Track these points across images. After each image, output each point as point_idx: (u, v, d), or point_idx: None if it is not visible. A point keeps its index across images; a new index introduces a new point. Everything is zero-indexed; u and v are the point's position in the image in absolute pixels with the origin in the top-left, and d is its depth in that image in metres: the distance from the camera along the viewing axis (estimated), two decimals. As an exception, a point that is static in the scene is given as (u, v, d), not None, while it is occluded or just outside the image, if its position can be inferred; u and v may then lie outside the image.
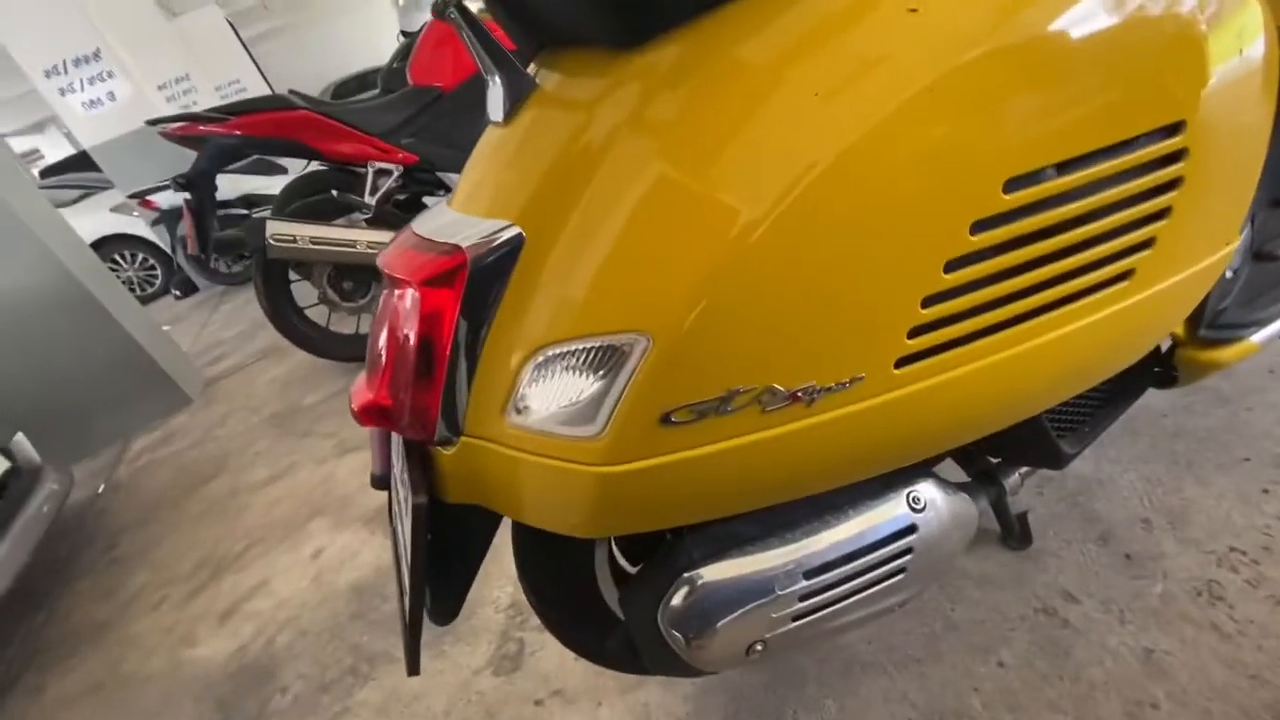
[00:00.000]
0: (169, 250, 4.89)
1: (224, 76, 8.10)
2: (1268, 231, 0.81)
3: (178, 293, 5.11)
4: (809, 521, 0.61)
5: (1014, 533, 0.92)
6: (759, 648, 0.63)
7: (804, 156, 0.40)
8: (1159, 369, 0.71)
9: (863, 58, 0.40)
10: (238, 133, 2.06)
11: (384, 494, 0.72)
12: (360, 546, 1.49)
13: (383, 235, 2.19)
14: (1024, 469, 0.79)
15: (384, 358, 0.54)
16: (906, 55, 0.40)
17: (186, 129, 2.05)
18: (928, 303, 0.44)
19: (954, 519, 0.67)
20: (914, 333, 0.45)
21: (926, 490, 0.65)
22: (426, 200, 2.41)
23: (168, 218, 4.38)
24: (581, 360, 0.46)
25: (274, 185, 4.19)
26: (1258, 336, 0.68)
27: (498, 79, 0.51)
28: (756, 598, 0.60)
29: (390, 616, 1.25)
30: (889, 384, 0.46)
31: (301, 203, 2.26)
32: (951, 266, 0.43)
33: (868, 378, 0.45)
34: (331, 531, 1.59)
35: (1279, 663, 0.72)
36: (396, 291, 0.52)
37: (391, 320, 0.53)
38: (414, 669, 0.61)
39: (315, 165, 2.36)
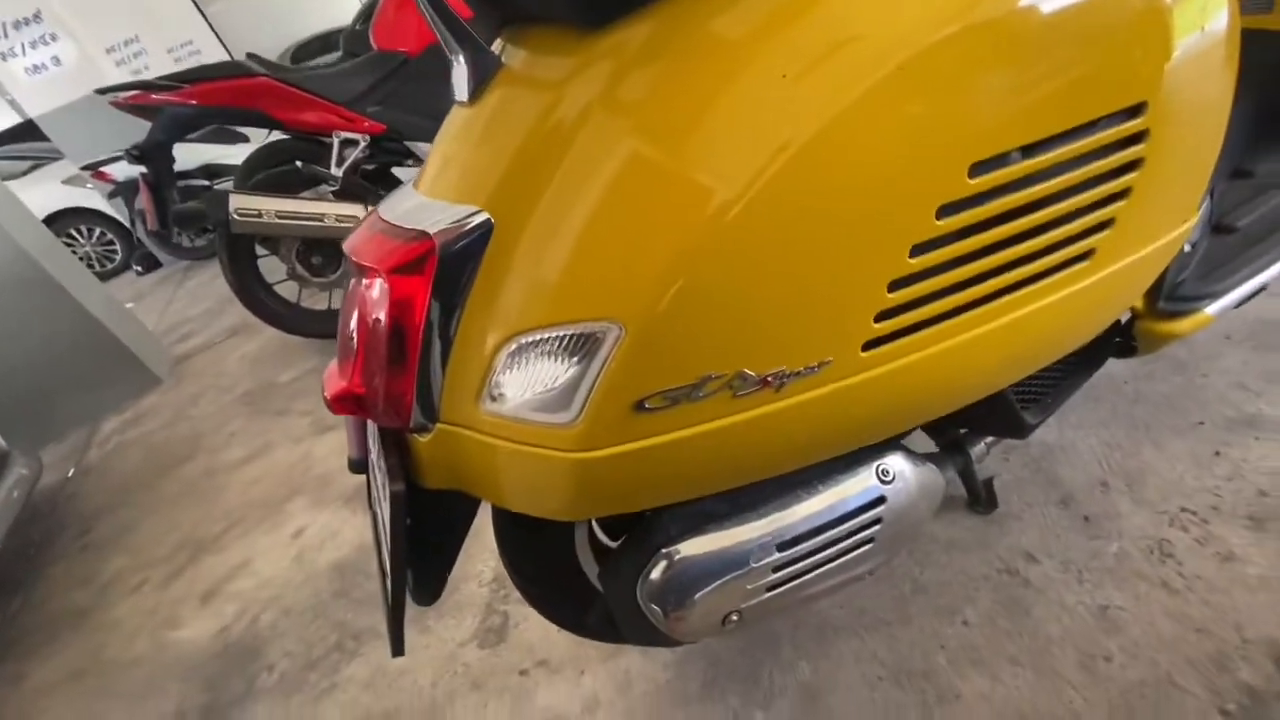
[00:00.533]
0: (128, 224, 4.72)
1: (176, 38, 7.72)
2: (1227, 203, 0.83)
3: (139, 269, 4.94)
4: (781, 496, 0.63)
5: (980, 498, 0.95)
6: (735, 618, 0.65)
7: (771, 141, 0.40)
8: (1119, 340, 0.74)
9: (830, 40, 0.40)
10: (193, 102, 1.97)
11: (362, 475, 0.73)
12: (341, 525, 1.49)
13: (352, 208, 2.13)
14: (990, 439, 0.81)
15: (355, 344, 0.54)
16: (873, 38, 0.40)
17: (138, 98, 1.96)
18: (894, 287, 0.45)
19: (921, 489, 0.70)
20: (880, 316, 0.46)
21: (895, 463, 0.67)
22: (395, 171, 2.34)
23: (124, 190, 4.20)
24: (555, 348, 0.46)
25: (236, 154, 4.04)
26: (1213, 308, 0.70)
27: (462, 58, 0.50)
28: (731, 570, 0.62)
29: (374, 594, 1.27)
30: (857, 367, 0.47)
31: (265, 174, 2.19)
32: (917, 251, 0.44)
33: (835, 361, 0.46)
34: (311, 511, 1.59)
35: (1223, 616, 0.76)
36: (365, 279, 0.51)
37: (361, 307, 0.52)
38: (398, 650, 0.62)
39: (277, 135, 2.28)
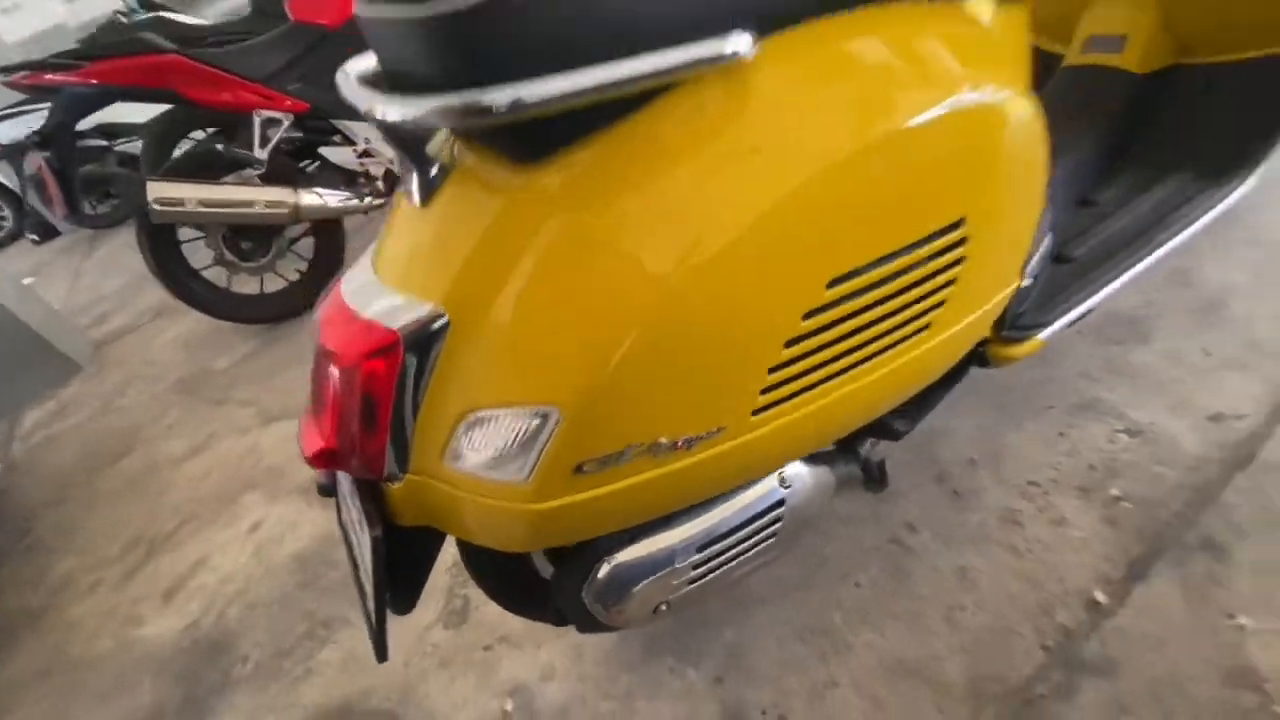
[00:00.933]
0: (18, 191, 4.33)
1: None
2: (1070, 233, 0.99)
3: (35, 237, 4.55)
4: (699, 508, 0.75)
5: (874, 478, 1.12)
6: (664, 607, 0.79)
7: (674, 266, 0.50)
8: (975, 359, 0.89)
9: (719, 190, 0.50)
10: (94, 81, 1.85)
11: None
12: (297, 517, 1.56)
13: (280, 192, 2.08)
14: (873, 440, 0.97)
15: (328, 405, 0.61)
16: (752, 186, 0.50)
17: (34, 78, 1.83)
18: (772, 370, 0.56)
19: (817, 488, 0.84)
20: (764, 390, 0.58)
21: (793, 469, 0.80)
22: (323, 150, 2.27)
23: (10, 152, 3.84)
24: (506, 424, 0.56)
25: (134, 112, 3.74)
26: (1045, 334, 0.86)
27: (415, 171, 0.56)
28: (659, 570, 0.75)
29: (339, 582, 1.35)
30: (749, 428, 0.59)
31: (184, 156, 2.09)
32: (790, 344, 0.56)
33: (731, 426, 0.58)
34: (266, 504, 1.64)
35: (1051, 572, 0.96)
36: (336, 361, 0.59)
37: (333, 381, 0.60)
38: (383, 656, 0.73)
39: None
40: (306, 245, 2.36)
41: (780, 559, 0.88)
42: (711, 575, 0.79)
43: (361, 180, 2.28)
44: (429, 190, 0.57)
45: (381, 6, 0.48)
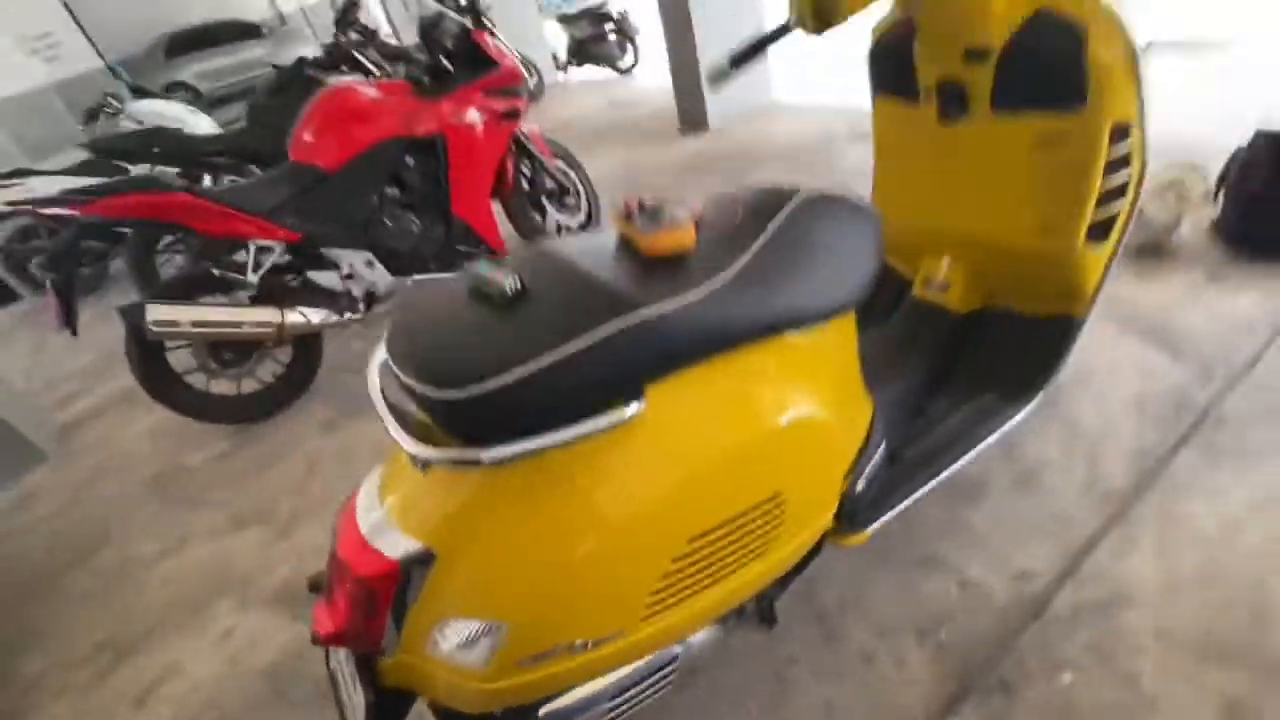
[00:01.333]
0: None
1: (33, 28, 7.10)
2: (904, 438, 1.31)
3: (-7, 302, 4.59)
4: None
5: (765, 618, 1.38)
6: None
7: (581, 544, 0.78)
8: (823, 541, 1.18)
9: (614, 488, 0.79)
10: (114, 215, 2.07)
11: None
12: (270, 628, 1.72)
13: (268, 313, 2.31)
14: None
15: (341, 601, 0.85)
16: (636, 486, 0.79)
17: (50, 215, 2.04)
18: (653, 594, 0.84)
19: (707, 642, 1.11)
20: (648, 607, 0.85)
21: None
22: (312, 274, 2.51)
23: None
24: (471, 629, 0.81)
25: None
26: (872, 528, 1.16)
27: (419, 463, 0.82)
28: (585, 712, 0.99)
29: (310, 696, 1.52)
30: (640, 629, 0.86)
31: (179, 279, 2.30)
32: (663, 578, 0.84)
33: (627, 629, 0.85)
34: (238, 612, 1.79)
35: (893, 705, 1.23)
36: (349, 571, 0.83)
37: (347, 584, 0.84)
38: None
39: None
40: (284, 349, 2.57)
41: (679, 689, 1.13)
42: (622, 711, 1.04)
43: (343, 299, 2.53)
44: (425, 465, 0.84)
45: (402, 376, 0.76)
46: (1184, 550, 1.35)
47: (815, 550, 1.15)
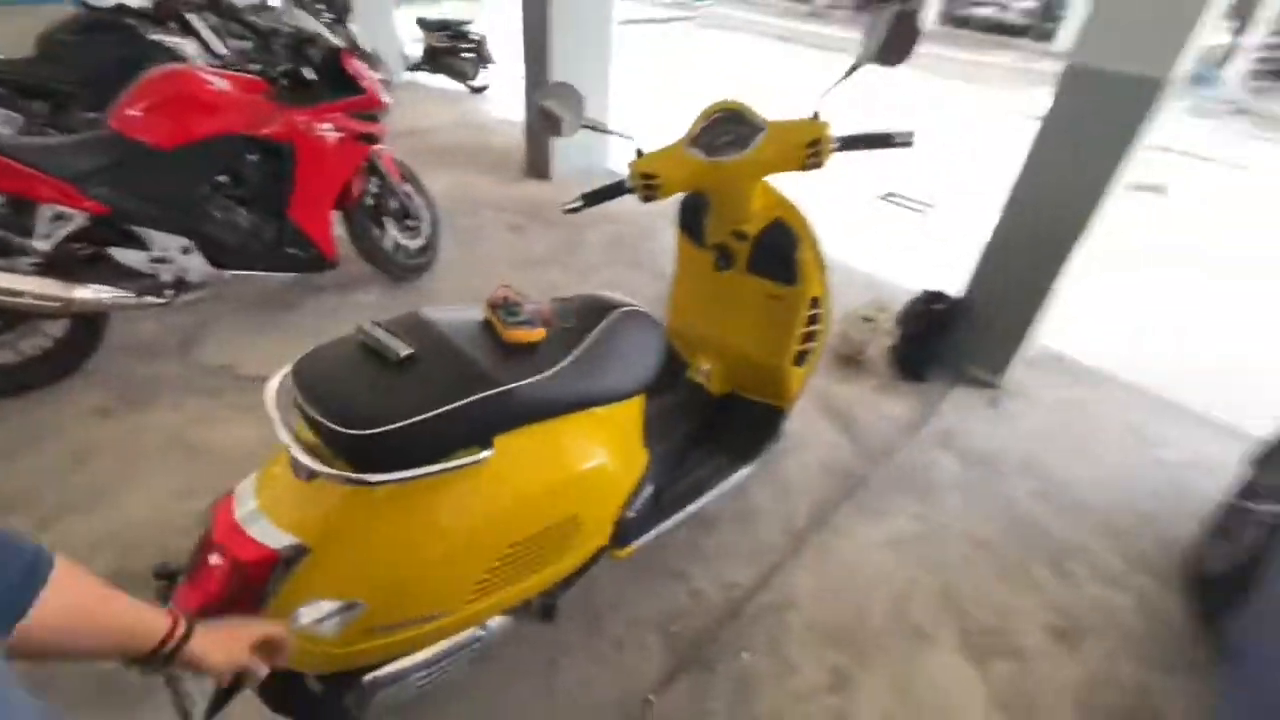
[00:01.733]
0: None
1: None
2: (667, 482, 1.80)
3: None
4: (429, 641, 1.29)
5: (547, 616, 1.75)
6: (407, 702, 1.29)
7: (424, 548, 1.09)
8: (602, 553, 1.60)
9: (457, 512, 1.11)
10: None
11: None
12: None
13: (54, 286, 2.14)
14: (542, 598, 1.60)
15: (214, 578, 1.03)
16: (476, 510, 1.12)
17: None
18: (478, 584, 1.17)
19: (501, 628, 1.44)
20: (472, 593, 1.18)
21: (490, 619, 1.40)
22: (115, 252, 2.34)
23: None
24: (331, 606, 1.06)
25: None
26: (635, 544, 1.61)
27: (303, 466, 1.05)
28: (400, 681, 1.25)
29: (82, 689, 1.51)
30: (464, 609, 1.18)
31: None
32: (487, 572, 1.17)
33: (454, 609, 1.16)
34: None
35: (631, 676, 1.67)
36: (227, 554, 1.02)
37: (222, 566, 1.02)
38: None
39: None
40: (58, 323, 2.36)
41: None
42: (428, 682, 1.32)
43: (146, 281, 2.40)
44: (310, 475, 1.07)
45: (312, 413, 1.01)
46: (831, 572, 2.01)
47: (594, 560, 1.55)
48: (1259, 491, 1.96)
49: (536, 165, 4.73)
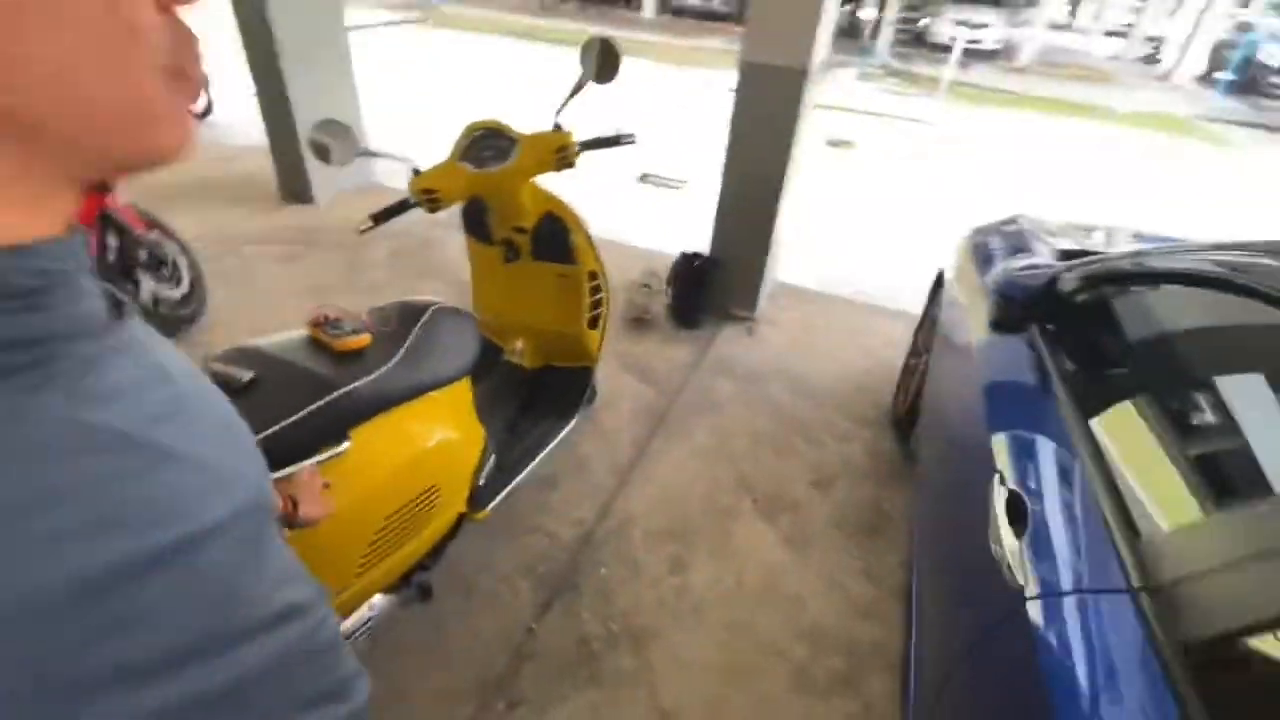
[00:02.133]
0: None
1: None
2: (505, 450, 2.08)
3: None
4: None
5: (424, 594, 1.94)
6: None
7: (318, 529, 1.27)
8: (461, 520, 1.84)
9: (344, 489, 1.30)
10: None
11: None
12: None
13: None
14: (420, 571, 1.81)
15: None
16: (350, 489, 1.32)
17: None
18: (363, 557, 1.37)
19: (387, 608, 1.63)
20: (359, 569, 1.37)
21: (377, 599, 1.58)
22: None
23: None
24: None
25: None
26: (489, 507, 1.88)
27: None
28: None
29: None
30: (355, 584, 1.37)
31: None
32: (369, 545, 1.37)
33: (347, 584, 1.35)
34: None
35: (510, 612, 1.95)
36: None
37: None
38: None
39: None
40: None
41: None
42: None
43: None
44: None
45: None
46: (655, 489, 2.47)
47: (457, 527, 1.79)
48: (918, 350, 2.81)
49: (294, 190, 4.52)
